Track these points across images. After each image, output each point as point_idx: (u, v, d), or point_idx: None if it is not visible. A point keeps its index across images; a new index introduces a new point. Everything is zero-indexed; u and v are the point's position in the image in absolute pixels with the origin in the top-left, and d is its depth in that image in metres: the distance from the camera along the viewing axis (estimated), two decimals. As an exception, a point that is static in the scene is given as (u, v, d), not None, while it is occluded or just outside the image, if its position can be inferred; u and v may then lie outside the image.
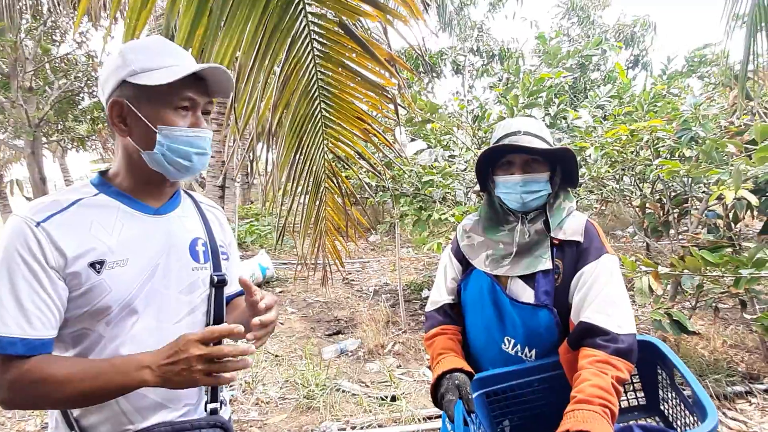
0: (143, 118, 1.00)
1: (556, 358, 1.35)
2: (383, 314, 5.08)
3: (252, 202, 16.76)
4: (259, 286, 6.61)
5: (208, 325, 1.16)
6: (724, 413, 3.14)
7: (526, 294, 1.39)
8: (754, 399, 3.27)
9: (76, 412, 0.99)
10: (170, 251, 1.07)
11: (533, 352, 1.39)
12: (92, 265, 0.94)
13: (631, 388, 1.48)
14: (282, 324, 5.23)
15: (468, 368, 1.37)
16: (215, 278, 1.16)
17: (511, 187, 1.43)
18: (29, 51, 8.63)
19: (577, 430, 1.04)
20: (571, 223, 1.41)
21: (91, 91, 10.69)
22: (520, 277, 1.41)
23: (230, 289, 1.27)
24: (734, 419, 3.08)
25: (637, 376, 1.46)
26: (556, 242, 1.40)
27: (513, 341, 1.41)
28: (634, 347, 1.21)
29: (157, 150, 1.01)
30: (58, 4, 8.59)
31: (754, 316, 2.27)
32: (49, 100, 9.05)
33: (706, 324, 4.59)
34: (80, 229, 0.95)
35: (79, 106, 11.22)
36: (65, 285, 0.93)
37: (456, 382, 1.30)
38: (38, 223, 0.91)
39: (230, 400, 1.32)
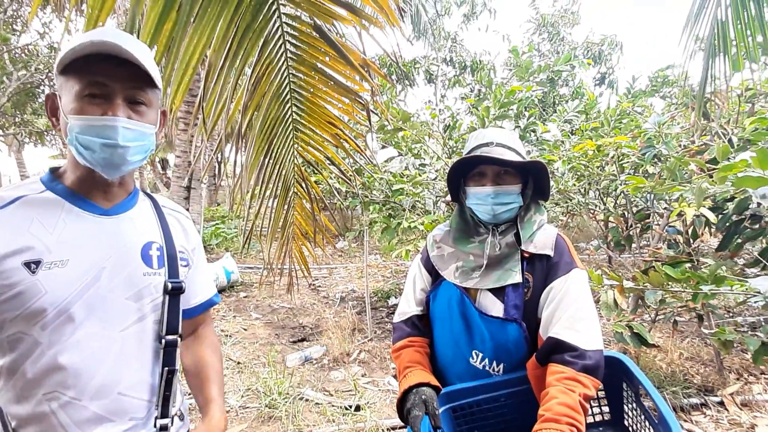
0: (61, 108, 0.95)
1: (524, 372, 1.33)
2: (349, 321, 5.03)
3: (219, 204, 16.45)
4: (223, 290, 6.45)
5: (159, 334, 1.09)
6: (680, 425, 3.21)
7: (495, 307, 1.37)
8: (709, 411, 3.36)
9: (14, 423, 0.92)
10: (117, 255, 1.00)
11: (501, 366, 1.38)
12: (27, 264, 0.88)
13: (597, 403, 1.48)
14: (245, 330, 5.11)
15: (435, 382, 1.35)
16: (169, 285, 1.09)
17: (482, 199, 1.41)
18: (-14, 40, 8.26)
19: None
20: (541, 237, 1.40)
21: (51, 83, 10.29)
22: (490, 290, 1.39)
23: (194, 300, 1.21)
24: (690, 431, 3.16)
25: (603, 392, 1.46)
26: (527, 255, 1.40)
27: (481, 355, 1.39)
28: (602, 363, 1.21)
29: (68, 140, 0.95)
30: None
31: (711, 331, 2.33)
32: (6, 91, 8.66)
33: (664, 337, 4.72)
34: (18, 226, 0.90)
35: (39, 99, 10.79)
36: None
37: (423, 397, 1.28)
38: None
39: (189, 409, 1.26)
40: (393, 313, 5.82)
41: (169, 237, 1.14)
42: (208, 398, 1.19)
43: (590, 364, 1.19)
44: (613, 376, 1.38)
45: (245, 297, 6.39)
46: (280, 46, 2.26)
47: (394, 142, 4.88)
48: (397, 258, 4.26)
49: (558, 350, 1.23)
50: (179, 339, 1.12)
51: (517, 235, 1.42)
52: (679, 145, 3.44)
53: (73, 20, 9.85)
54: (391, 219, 4.96)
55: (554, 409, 1.12)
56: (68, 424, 0.93)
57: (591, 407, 1.45)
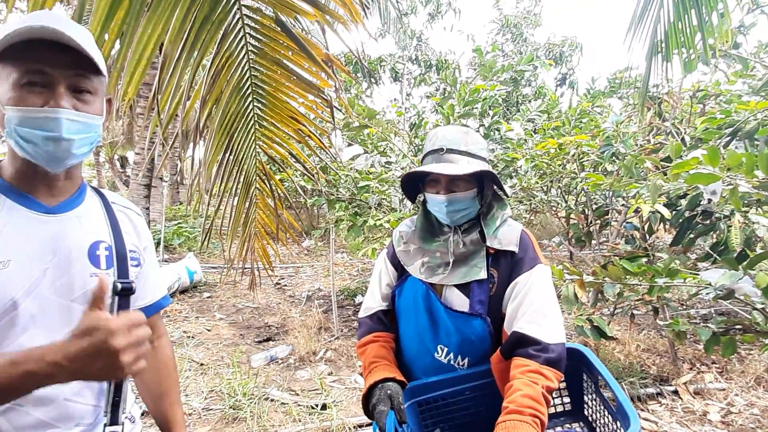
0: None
1: (488, 366, 1.35)
2: (315, 320, 4.99)
3: (181, 203, 16.04)
4: (186, 290, 6.29)
5: None
6: (637, 414, 3.32)
7: (460, 302, 1.39)
8: (664, 400, 3.49)
9: None
10: (62, 255, 0.95)
11: (466, 360, 1.40)
12: None
13: (558, 394, 1.51)
14: (209, 331, 5.00)
15: (400, 377, 1.37)
16: (119, 285, 1.04)
17: (437, 205, 1.44)
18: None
19: None
20: (506, 233, 1.42)
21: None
22: (456, 285, 1.40)
23: (143, 301, 1.16)
24: (646, 419, 3.27)
25: (564, 383, 1.48)
26: (492, 251, 1.41)
27: (446, 350, 1.41)
28: (563, 356, 1.25)
29: (6, 134, 0.89)
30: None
31: (666, 322, 2.41)
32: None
33: (622, 330, 4.86)
34: None
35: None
36: None
37: (388, 392, 1.30)
38: None
39: (142, 413, 1.22)
40: (359, 311, 5.80)
41: (119, 235, 1.09)
42: (170, 418, 1.19)
43: (553, 357, 1.21)
44: (574, 368, 1.40)
45: (209, 297, 6.26)
46: (241, 39, 2.20)
47: (359, 140, 4.86)
48: (364, 256, 4.25)
49: (522, 344, 1.25)
50: None
51: (482, 232, 1.43)
52: (636, 144, 3.55)
53: (17, 7, 9.41)
54: (357, 217, 4.94)
55: (518, 401, 1.14)
56: (9, 430, 0.88)
57: (553, 398, 1.47)
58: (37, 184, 0.95)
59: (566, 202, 5.24)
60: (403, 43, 9.49)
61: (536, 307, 1.27)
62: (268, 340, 4.77)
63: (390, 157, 4.90)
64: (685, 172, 2.03)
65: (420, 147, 5.07)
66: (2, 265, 0.86)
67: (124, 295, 1.06)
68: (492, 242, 1.41)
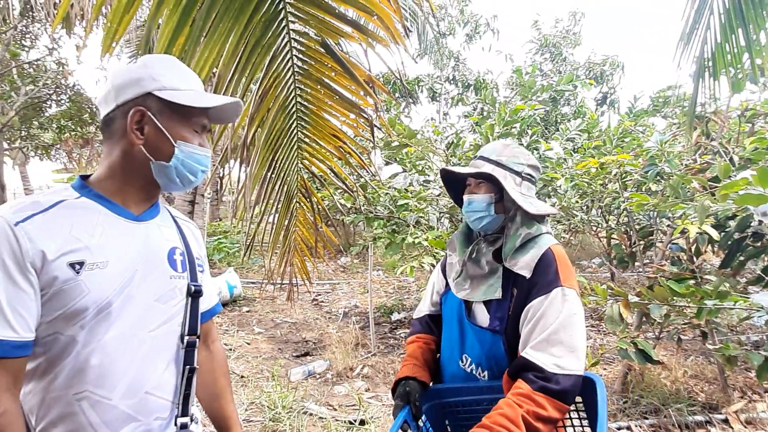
0: (164, 131, 1.02)
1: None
2: (352, 336, 5.01)
3: (221, 219, 16.49)
4: (226, 304, 6.44)
5: (182, 335, 1.13)
6: (686, 443, 3.19)
7: (483, 318, 1.43)
8: (714, 429, 3.33)
9: (40, 426, 0.94)
10: (148, 258, 1.05)
11: (486, 372, 1.42)
12: (72, 265, 0.92)
13: (579, 423, 1.44)
14: (248, 344, 5.09)
15: (423, 377, 1.46)
16: (192, 288, 1.14)
17: (464, 207, 1.50)
18: (-3, 55, 8.40)
19: None
20: (524, 255, 1.37)
21: (59, 99, 10.43)
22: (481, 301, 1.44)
23: (203, 306, 1.24)
24: (695, 450, 3.13)
25: (584, 412, 1.42)
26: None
27: (469, 360, 1.45)
28: (569, 388, 1.17)
29: (172, 162, 1.04)
30: (31, 9, 8.42)
31: (716, 346, 2.32)
32: (14, 105, 8.77)
33: (668, 354, 4.68)
34: (61, 229, 0.93)
35: (46, 114, 10.91)
36: (42, 286, 0.90)
37: (407, 388, 1.41)
38: (17, 223, 0.89)
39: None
40: (396, 328, 5.81)
41: (187, 243, 1.20)
42: (227, 416, 1.29)
43: (552, 386, 1.16)
44: (591, 397, 1.35)
45: (248, 311, 6.38)
46: (288, 61, 2.30)
47: (398, 159, 4.92)
48: (401, 274, 4.26)
49: (525, 369, 1.23)
50: (197, 340, 1.17)
51: (502, 249, 1.44)
52: (682, 164, 3.47)
53: (82, 37, 10.02)
54: (395, 235, 4.97)
55: (492, 418, 1.14)
56: (97, 423, 0.95)
57: (573, 425, 1.42)
58: (131, 196, 1.06)
59: (607, 222, 5.13)
60: (441, 63, 9.59)
61: (546, 335, 1.22)
62: (305, 354, 4.82)
63: (428, 175, 4.93)
64: (735, 192, 1.98)
65: (457, 165, 5.08)
66: (102, 266, 0.95)
67: (195, 296, 1.15)
68: (508, 262, 1.39)
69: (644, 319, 2.84)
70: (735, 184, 1.97)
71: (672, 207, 2.59)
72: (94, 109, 10.23)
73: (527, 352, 1.23)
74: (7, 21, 8.38)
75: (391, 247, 4.98)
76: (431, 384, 1.49)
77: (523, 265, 1.35)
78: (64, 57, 9.70)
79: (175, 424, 1.11)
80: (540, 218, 1.43)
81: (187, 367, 1.14)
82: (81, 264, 0.93)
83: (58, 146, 13.96)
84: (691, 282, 2.96)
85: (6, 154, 10.62)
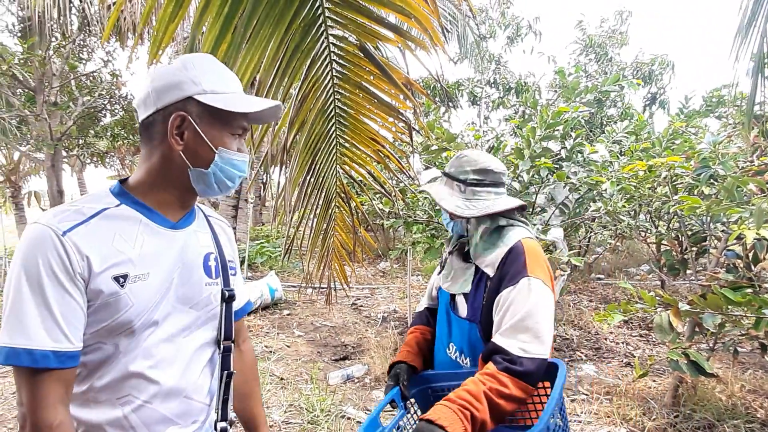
0: (204, 137, 1.01)
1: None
2: (391, 341, 4.99)
3: (263, 224, 16.83)
4: (267, 307, 6.55)
5: (218, 340, 1.15)
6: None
7: (463, 308, 1.57)
8: (775, 449, 3.12)
9: (80, 430, 0.95)
10: (185, 266, 1.06)
11: (468, 360, 1.53)
12: (116, 278, 0.93)
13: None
14: (288, 347, 5.16)
15: (413, 362, 1.62)
16: (226, 293, 1.15)
17: None
18: (56, 67, 8.88)
19: (424, 417, 1.14)
20: (490, 255, 1.49)
21: (113, 109, 10.93)
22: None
23: (234, 306, 1.25)
24: (754, 469, 2.94)
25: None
26: None
27: (454, 347, 1.59)
28: (533, 370, 1.24)
29: (211, 169, 1.03)
30: (88, 24, 8.89)
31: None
32: (72, 115, 9.25)
33: (723, 367, 4.44)
34: (104, 241, 0.93)
35: (101, 123, 11.47)
36: (88, 297, 0.91)
37: (397, 371, 1.58)
38: (64, 233, 0.89)
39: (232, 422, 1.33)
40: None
41: (220, 246, 1.19)
42: (255, 415, 1.31)
43: (516, 368, 1.23)
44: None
45: (288, 314, 6.47)
46: (327, 65, 2.32)
47: (437, 163, 4.88)
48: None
49: (494, 352, 1.31)
50: (233, 345, 1.18)
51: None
52: (737, 166, 3.28)
53: (136, 49, 10.49)
54: (434, 239, 4.93)
55: (457, 393, 1.21)
56: (138, 426, 0.97)
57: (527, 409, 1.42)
58: (169, 203, 1.06)
59: (656, 227, 4.92)
60: (481, 67, 9.48)
61: (514, 322, 1.30)
62: (344, 358, 4.83)
63: (467, 179, 4.86)
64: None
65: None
66: (144, 278, 0.96)
67: (229, 301, 1.16)
68: (477, 260, 1.53)
69: (697, 329, 2.69)
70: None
71: (726, 211, 2.45)
72: (145, 118, 10.64)
73: (496, 338, 1.33)
74: (67, 36, 8.88)
75: (431, 251, 4.94)
76: (423, 369, 1.64)
77: (489, 263, 1.48)
78: (117, 68, 10.15)
79: (215, 429, 1.14)
80: (506, 213, 1.54)
81: (225, 372, 1.15)
82: (125, 277, 0.93)
83: (112, 154, 14.64)
84: (749, 291, 2.79)
85: (65, 161, 11.21)
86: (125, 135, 11.36)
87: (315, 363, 4.64)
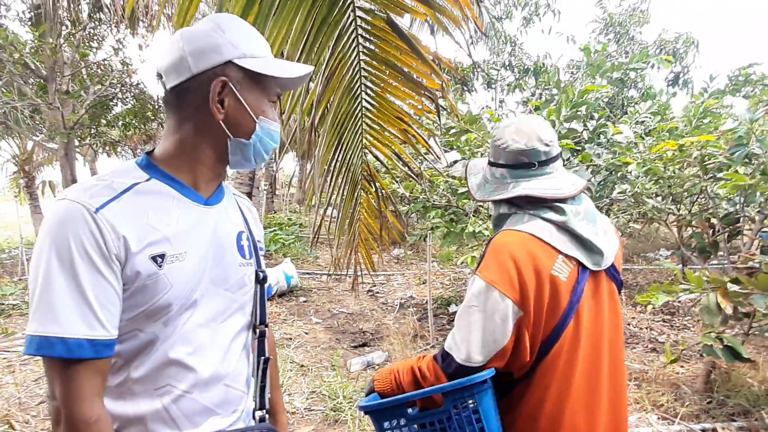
0: (246, 105, 0.93)
1: None
2: (410, 328, 4.94)
3: (275, 212, 16.83)
4: (283, 294, 6.52)
5: (252, 325, 1.08)
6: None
7: None
8: (813, 436, 3.03)
9: (116, 424, 0.87)
10: (219, 245, 0.97)
11: None
12: (154, 258, 0.84)
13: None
14: (306, 334, 5.13)
15: None
16: (260, 274, 1.07)
17: None
18: (67, 56, 8.83)
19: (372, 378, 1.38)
20: None
21: (124, 97, 10.89)
22: None
23: None
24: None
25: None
26: None
27: None
28: (449, 369, 1.20)
29: (252, 140, 0.95)
30: (100, 10, 8.82)
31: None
32: (84, 104, 9.22)
33: (753, 352, 4.33)
34: (139, 218, 0.85)
35: (112, 112, 11.45)
36: (124, 281, 0.83)
37: None
38: (97, 209, 0.80)
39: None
40: (453, 320, 5.67)
41: (249, 226, 1.12)
42: (274, 401, 1.21)
43: (439, 361, 1.23)
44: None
45: (305, 301, 6.44)
46: (353, 40, 2.24)
47: (456, 146, 4.77)
48: (463, 264, 4.14)
49: None
50: (267, 329, 1.12)
51: None
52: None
53: (145, 36, 10.43)
54: (454, 224, 4.84)
55: (402, 362, 1.34)
56: (179, 418, 0.90)
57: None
58: (201, 176, 0.96)
59: (678, 210, 4.77)
60: (497, 48, 9.27)
61: (456, 316, 1.25)
62: (363, 345, 4.79)
63: (487, 162, 4.76)
64: None
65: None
66: (181, 257, 0.88)
67: (262, 283, 1.08)
68: None
69: (731, 312, 2.59)
70: None
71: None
72: (156, 106, 10.60)
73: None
74: (76, 24, 8.82)
75: (450, 236, 4.86)
76: None
77: None
78: (128, 56, 10.06)
79: (254, 418, 1.07)
80: (515, 200, 1.31)
81: (262, 357, 1.09)
82: (162, 257, 0.85)
83: (124, 143, 14.64)
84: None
85: (77, 150, 11.23)
86: (136, 124, 11.33)
87: (334, 350, 4.60)
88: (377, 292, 7.01)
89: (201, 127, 0.92)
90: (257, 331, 1.09)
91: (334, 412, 3.26)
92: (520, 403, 1.23)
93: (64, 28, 8.63)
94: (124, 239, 0.81)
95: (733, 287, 2.05)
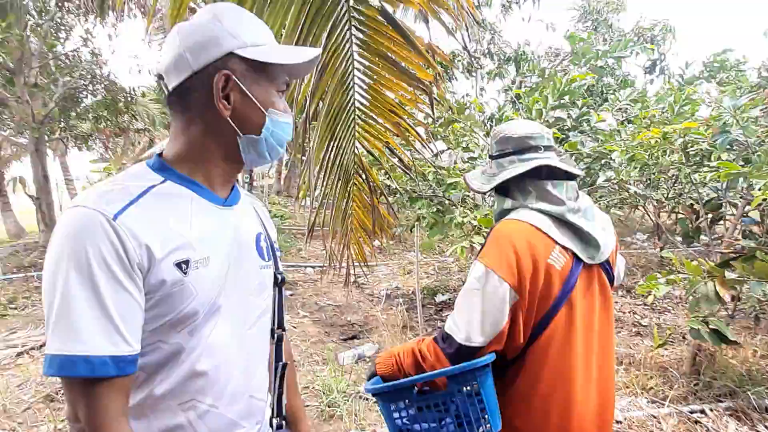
0: (253, 98, 0.87)
1: None
2: (399, 319, 4.94)
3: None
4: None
5: (272, 330, 1.04)
6: (766, 426, 3.01)
7: None
8: (795, 413, 3.13)
9: None
10: (240, 248, 0.92)
11: None
12: (178, 265, 0.79)
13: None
14: (295, 328, 5.08)
15: None
16: (278, 277, 1.04)
17: None
18: (35, 47, 8.49)
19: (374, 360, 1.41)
20: None
21: (94, 89, 10.53)
22: None
23: None
24: (778, 434, 2.94)
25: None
26: None
27: None
28: (449, 350, 1.25)
29: (263, 134, 0.89)
30: (66, 0, 8.49)
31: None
32: (54, 97, 8.89)
33: (735, 334, 4.45)
34: (160, 223, 0.79)
35: (82, 104, 11.06)
36: (147, 290, 0.78)
37: None
38: (115, 216, 0.74)
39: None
40: (441, 310, 5.71)
41: (265, 226, 1.07)
42: (295, 407, 1.19)
43: (440, 343, 1.28)
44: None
45: (291, 295, 6.37)
46: (347, 31, 2.18)
47: (442, 136, 4.75)
48: (453, 254, 4.14)
49: None
50: (284, 333, 1.09)
51: None
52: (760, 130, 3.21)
53: (115, 24, 10.09)
54: (440, 214, 4.83)
55: (403, 345, 1.39)
56: None
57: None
58: (215, 178, 0.91)
59: (667, 197, 4.85)
60: (478, 36, 9.24)
61: (456, 303, 1.32)
62: (353, 338, 4.78)
63: (473, 152, 4.76)
64: None
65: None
66: (204, 263, 0.83)
67: (281, 286, 1.05)
68: None
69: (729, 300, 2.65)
70: None
71: (765, 176, 2.38)
72: (129, 98, 10.28)
73: None
74: (43, 14, 8.46)
75: (437, 227, 4.85)
76: None
77: None
78: (98, 47, 9.71)
79: (271, 426, 1.04)
80: (511, 191, 1.39)
81: (280, 363, 1.06)
82: (186, 263, 0.80)
83: (95, 136, 14.19)
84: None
85: (47, 145, 10.84)
86: (108, 117, 10.97)
87: (324, 344, 4.57)
88: (363, 284, 6.99)
89: (209, 127, 0.87)
90: (275, 335, 1.05)
91: (329, 407, 3.24)
92: (513, 384, 1.30)
93: (30, 18, 8.27)
94: (147, 247, 0.76)
95: (730, 275, 2.09)
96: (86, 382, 0.72)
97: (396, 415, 1.28)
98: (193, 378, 0.83)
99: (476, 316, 1.23)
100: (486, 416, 1.20)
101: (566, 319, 1.27)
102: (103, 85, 10.44)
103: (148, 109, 12.44)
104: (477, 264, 1.27)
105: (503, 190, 1.41)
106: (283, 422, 1.05)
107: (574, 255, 1.29)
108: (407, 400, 1.27)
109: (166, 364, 0.81)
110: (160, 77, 0.89)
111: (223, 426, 0.88)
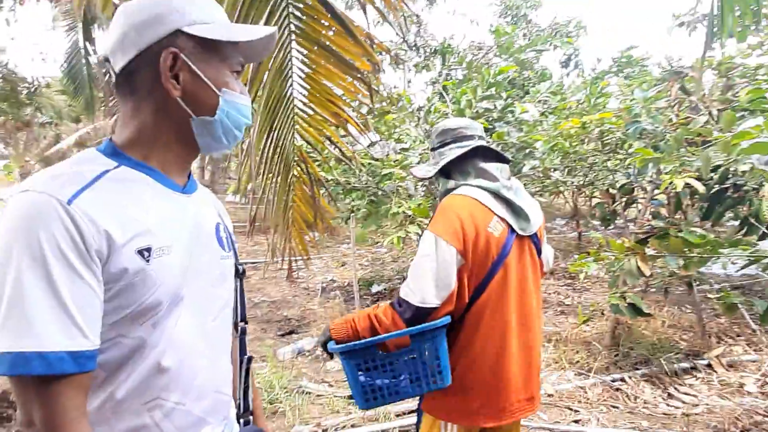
0: (204, 78, 0.82)
1: None
2: (337, 311, 4.94)
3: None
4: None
5: (235, 322, 1.01)
6: (676, 389, 3.33)
7: None
8: (700, 374, 3.50)
9: None
10: (200, 238, 0.88)
11: None
12: (140, 252, 0.74)
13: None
14: (229, 326, 4.92)
15: None
16: (239, 268, 1.01)
17: None
18: None
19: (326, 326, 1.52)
20: None
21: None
22: None
23: None
24: (686, 394, 3.27)
25: None
26: None
27: None
28: (406, 314, 1.40)
29: (217, 116, 0.85)
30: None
31: (717, 295, 2.39)
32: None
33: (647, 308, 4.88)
34: (117, 208, 0.74)
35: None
36: (106, 279, 0.72)
37: None
38: (70, 200, 0.69)
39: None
40: (378, 300, 5.77)
41: (222, 217, 1.03)
42: (255, 406, 1.15)
43: (396, 307, 1.42)
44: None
45: (222, 293, 6.17)
46: (285, 19, 2.13)
47: (375, 127, 4.78)
48: (390, 245, 4.19)
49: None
50: (246, 326, 1.06)
51: None
52: (667, 120, 3.53)
53: (13, 9, 9.18)
54: (374, 205, 4.87)
55: (358, 312, 1.50)
56: (170, 431, 0.81)
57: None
58: (171, 164, 0.87)
59: (575, 182, 5.19)
60: (404, 28, 9.32)
61: (409, 269, 1.46)
62: (291, 333, 4.71)
63: (405, 143, 4.83)
64: (745, 141, 2.00)
65: (429, 132, 5.00)
66: (167, 250, 0.78)
67: (242, 277, 1.03)
68: None
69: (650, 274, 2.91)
70: (746, 134, 1.98)
71: (674, 162, 2.62)
72: (31, 89, 9.41)
73: None
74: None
75: (372, 218, 4.89)
76: None
77: None
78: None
79: (238, 422, 1.01)
80: (453, 174, 1.61)
81: (245, 357, 1.03)
82: (149, 250, 0.75)
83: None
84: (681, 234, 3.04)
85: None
86: (7, 110, 9.99)
87: (262, 341, 4.48)
88: (297, 278, 6.90)
89: (159, 109, 0.83)
90: (238, 328, 1.03)
91: (271, 404, 3.19)
92: (457, 340, 1.48)
93: None
94: (106, 233, 0.71)
95: (650, 252, 2.29)
96: (42, 380, 0.66)
97: (360, 371, 1.42)
98: (158, 375, 0.78)
99: (429, 280, 1.38)
100: (440, 371, 1.40)
101: (502, 281, 1.46)
102: (1, 75, 9.49)
103: (54, 102, 11.45)
104: (427, 233, 1.45)
105: (445, 173, 1.63)
106: (250, 417, 1.02)
107: (509, 226, 1.49)
108: (372, 359, 1.41)
109: (128, 360, 0.76)
110: (106, 60, 0.84)
111: (190, 424, 0.84)
